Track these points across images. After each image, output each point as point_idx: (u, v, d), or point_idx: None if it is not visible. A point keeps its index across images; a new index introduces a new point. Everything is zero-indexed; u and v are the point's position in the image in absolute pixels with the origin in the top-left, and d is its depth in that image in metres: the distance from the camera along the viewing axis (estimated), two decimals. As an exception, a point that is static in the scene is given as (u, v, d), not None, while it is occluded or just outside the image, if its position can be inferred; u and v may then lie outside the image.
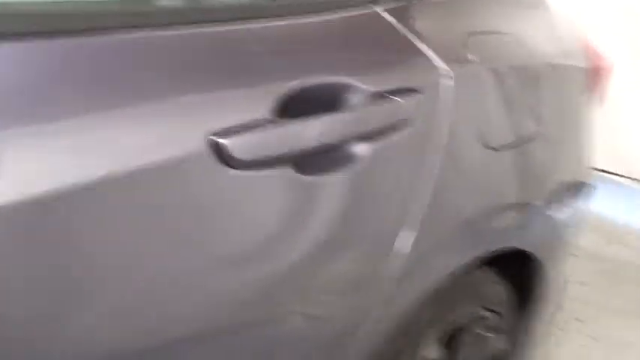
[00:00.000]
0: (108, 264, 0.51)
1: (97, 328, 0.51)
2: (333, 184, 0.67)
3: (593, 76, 1.32)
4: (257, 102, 0.60)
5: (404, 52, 0.80)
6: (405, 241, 0.79)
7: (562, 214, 1.22)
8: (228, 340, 0.63)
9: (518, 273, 1.13)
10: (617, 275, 2.45)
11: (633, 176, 3.15)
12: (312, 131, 0.62)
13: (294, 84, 0.62)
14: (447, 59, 0.82)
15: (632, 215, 2.98)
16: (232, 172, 0.56)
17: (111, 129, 0.50)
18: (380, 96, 0.71)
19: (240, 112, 0.58)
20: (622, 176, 3.17)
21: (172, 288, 0.56)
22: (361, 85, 0.69)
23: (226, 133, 0.56)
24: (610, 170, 3.07)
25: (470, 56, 0.90)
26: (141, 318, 0.54)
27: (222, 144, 0.55)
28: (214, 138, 0.55)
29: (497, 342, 1.14)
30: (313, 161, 0.64)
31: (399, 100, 0.72)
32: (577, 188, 1.31)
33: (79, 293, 0.50)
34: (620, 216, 2.93)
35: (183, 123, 0.54)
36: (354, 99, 0.68)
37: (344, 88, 0.68)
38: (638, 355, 1.90)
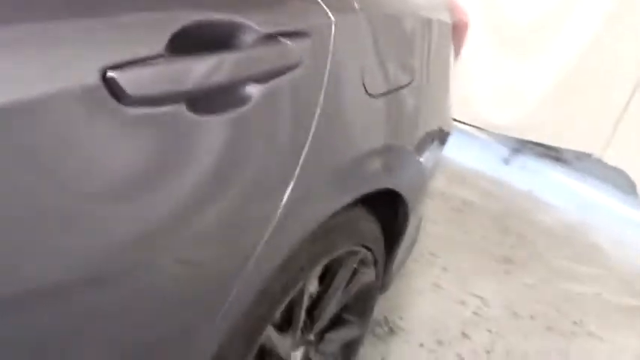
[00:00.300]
0: None
1: None
2: (221, 124, 0.66)
3: (456, 30, 1.42)
4: (151, 37, 0.56)
5: None
6: (288, 184, 0.81)
7: (427, 159, 1.33)
8: (112, 282, 0.60)
9: (387, 211, 1.22)
10: (463, 213, 2.74)
11: (479, 125, 3.49)
12: (205, 69, 0.60)
13: (187, 20, 0.60)
14: (334, 5, 0.84)
15: (477, 161, 3.33)
16: (123, 107, 0.53)
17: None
18: (271, 37, 0.70)
19: (134, 46, 0.54)
20: (469, 125, 3.49)
21: (48, 227, 0.52)
22: (253, 25, 0.68)
23: (120, 67, 0.52)
24: (459, 119, 3.36)
25: (355, 3, 0.92)
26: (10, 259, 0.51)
27: (115, 78, 0.52)
28: (107, 72, 0.51)
29: (367, 275, 1.23)
30: (204, 100, 0.63)
31: (289, 42, 0.72)
32: (441, 136, 1.43)
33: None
34: (466, 161, 3.26)
35: (74, 54, 0.50)
36: (246, 39, 0.67)
37: (237, 28, 0.67)
38: (479, 283, 2.17)
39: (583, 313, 2.14)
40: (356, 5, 0.92)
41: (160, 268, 0.66)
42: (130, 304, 0.64)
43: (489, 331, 1.93)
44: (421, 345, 1.78)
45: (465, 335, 1.88)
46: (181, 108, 0.60)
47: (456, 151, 3.08)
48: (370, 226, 1.16)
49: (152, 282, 0.66)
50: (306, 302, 1.04)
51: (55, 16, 0.50)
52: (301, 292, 1.00)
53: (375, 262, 1.23)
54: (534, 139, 3.43)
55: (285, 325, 1.03)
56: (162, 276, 0.67)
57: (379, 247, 1.23)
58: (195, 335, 0.77)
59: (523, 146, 3.57)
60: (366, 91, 0.96)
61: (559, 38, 3.17)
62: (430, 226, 2.42)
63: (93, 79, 0.51)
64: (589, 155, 3.31)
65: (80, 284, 0.57)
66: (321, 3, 0.82)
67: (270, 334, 0.97)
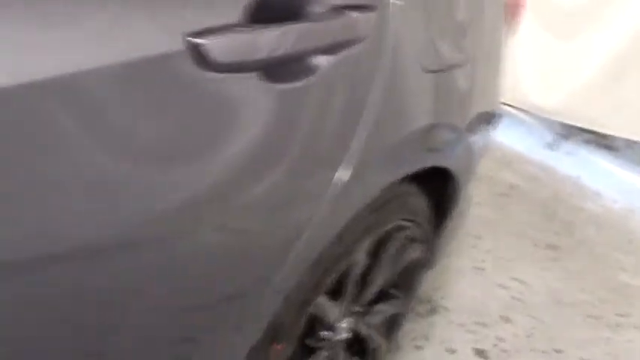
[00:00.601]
0: (62, 160, 0.49)
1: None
2: (288, 94, 0.68)
3: (509, 9, 1.39)
4: (229, 6, 0.58)
5: None
6: (343, 156, 0.82)
7: (477, 139, 1.32)
8: (168, 244, 0.61)
9: (437, 189, 1.23)
10: (508, 197, 2.71)
11: (526, 108, 3.41)
12: (278, 39, 0.62)
13: None
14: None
15: (524, 145, 3.27)
16: (204, 73, 0.55)
17: (82, 22, 0.48)
18: (340, 9, 0.71)
19: (214, 14, 0.57)
20: (516, 108, 3.42)
21: (121, 184, 0.54)
22: None
23: (202, 34, 0.54)
24: (506, 102, 3.29)
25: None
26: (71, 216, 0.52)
27: (199, 44, 0.54)
28: (191, 38, 0.54)
29: (415, 251, 1.24)
30: (275, 69, 0.64)
31: (357, 15, 0.73)
32: (491, 117, 1.42)
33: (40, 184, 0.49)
34: (512, 145, 3.21)
35: (161, 21, 0.53)
36: (316, 10, 0.68)
37: (309, 0, 0.68)
38: (521, 268, 2.15)
39: (628, 304, 2.09)
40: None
41: (218, 232, 0.68)
42: (184, 268, 0.65)
43: (531, 316, 1.91)
44: (462, 325, 1.78)
45: (505, 319, 1.87)
46: (256, 75, 0.62)
47: (503, 135, 3.04)
48: (420, 203, 1.17)
49: (208, 247, 0.67)
50: (356, 274, 1.06)
51: None
52: (352, 264, 1.02)
53: (423, 239, 1.24)
54: (581, 125, 3.34)
55: (334, 294, 1.06)
56: (219, 241, 0.69)
57: (428, 223, 1.23)
58: (251, 302, 0.80)
59: (570, 131, 3.48)
60: (423, 67, 0.97)
61: (608, 21, 3.06)
62: (475, 208, 2.40)
63: (177, 45, 0.53)
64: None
65: (139, 244, 0.58)
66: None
67: (321, 302, 1.00)
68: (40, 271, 0.50)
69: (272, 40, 0.61)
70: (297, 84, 0.68)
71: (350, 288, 1.07)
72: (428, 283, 1.74)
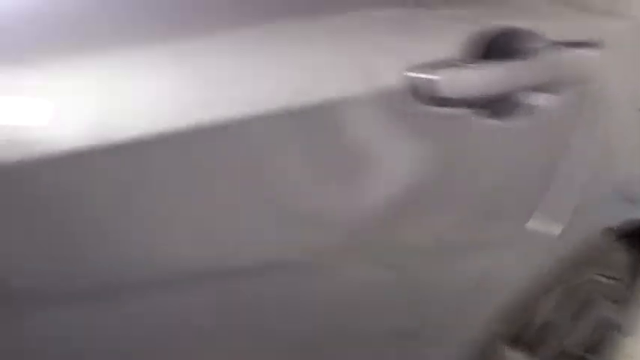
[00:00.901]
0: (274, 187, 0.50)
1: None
2: (506, 132, 0.65)
3: None
4: (451, 42, 0.59)
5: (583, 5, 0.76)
6: (545, 203, 0.77)
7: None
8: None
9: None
10: None
11: None
12: (498, 75, 0.62)
13: (480, 27, 0.61)
14: (617, 15, 0.79)
15: None
16: (424, 107, 0.56)
17: (309, 57, 0.50)
18: (561, 46, 0.69)
19: (438, 50, 0.57)
20: None
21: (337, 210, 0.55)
22: (544, 34, 0.67)
23: (428, 69, 0.55)
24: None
25: (633, 12, 0.85)
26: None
27: (431, 80, 0.55)
28: (410, 73, 0.55)
29: (609, 310, 1.12)
30: (492, 105, 0.63)
31: (580, 52, 0.69)
32: None
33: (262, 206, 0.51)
34: None
35: (381, 55, 0.54)
36: (537, 46, 0.67)
37: (529, 37, 0.66)
38: None
39: None
40: (634, 13, 0.85)
41: (394, 270, 0.65)
42: (354, 301, 0.63)
43: None
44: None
45: None
46: (471, 111, 0.61)
47: None
48: (622, 259, 1.05)
49: (379, 283, 0.65)
50: (541, 327, 0.98)
51: (365, 20, 0.54)
52: (538, 315, 0.95)
53: (620, 299, 1.12)
54: None
55: (515, 345, 0.99)
56: (393, 279, 0.66)
57: (628, 283, 1.11)
58: (429, 346, 0.77)
59: None
60: (635, 108, 0.88)
61: None
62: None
63: (397, 80, 0.54)
64: None
65: (307, 270, 0.57)
66: (606, 13, 0.77)
67: (502, 352, 0.94)
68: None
69: (497, 77, 0.61)
70: (514, 122, 0.66)
71: (534, 341, 0.99)
72: (619, 349, 1.56)
